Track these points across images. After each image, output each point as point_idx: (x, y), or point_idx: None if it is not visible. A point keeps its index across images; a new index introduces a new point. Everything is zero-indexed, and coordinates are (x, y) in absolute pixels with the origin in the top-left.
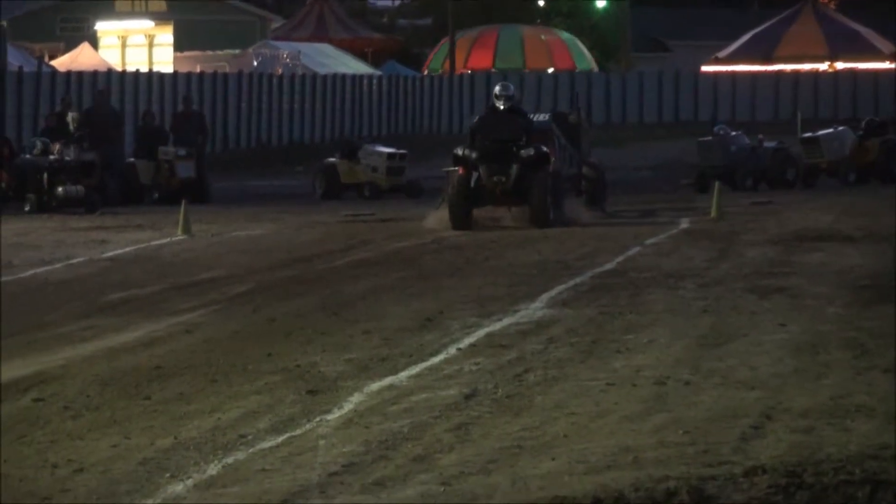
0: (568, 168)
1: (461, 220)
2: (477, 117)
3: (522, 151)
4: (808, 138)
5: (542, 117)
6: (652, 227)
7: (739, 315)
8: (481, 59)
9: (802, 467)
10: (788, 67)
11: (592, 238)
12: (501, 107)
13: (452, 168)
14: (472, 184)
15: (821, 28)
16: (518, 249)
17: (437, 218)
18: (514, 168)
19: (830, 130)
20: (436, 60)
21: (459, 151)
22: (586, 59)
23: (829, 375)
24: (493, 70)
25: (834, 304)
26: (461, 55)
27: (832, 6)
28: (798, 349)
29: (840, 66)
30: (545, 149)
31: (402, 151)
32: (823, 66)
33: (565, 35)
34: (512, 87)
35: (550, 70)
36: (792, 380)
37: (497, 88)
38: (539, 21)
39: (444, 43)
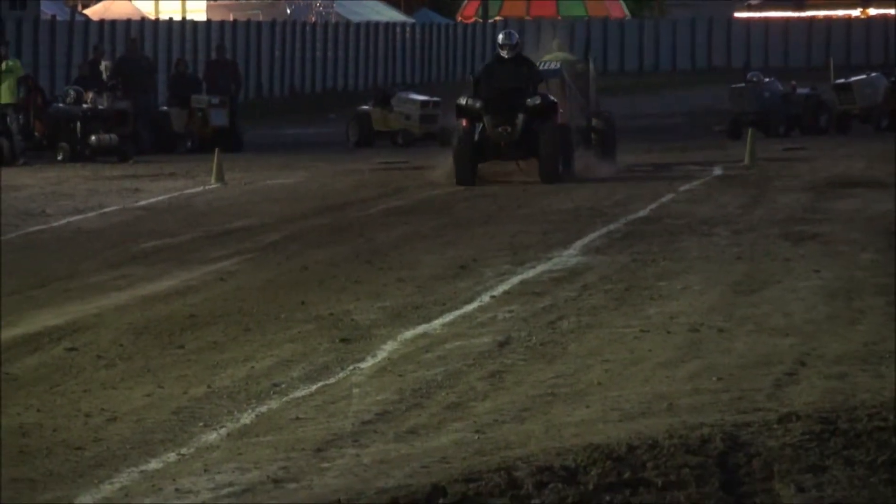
0: (578, 119)
1: (466, 174)
2: (482, 66)
3: (528, 100)
4: (841, 84)
5: (552, 65)
6: (686, 171)
7: (773, 262)
8: (544, 8)
9: (836, 414)
10: (821, 13)
11: (626, 185)
12: (506, 55)
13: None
14: (477, 136)
15: None
16: (551, 196)
17: (443, 172)
18: (520, 118)
19: (863, 77)
20: (493, 8)
21: (462, 101)
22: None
23: (862, 321)
24: (558, 17)
25: (867, 250)
26: (519, 2)
27: None
28: (831, 295)
29: (873, 12)
30: (553, 98)
31: (435, 99)
32: (856, 13)
33: None
34: (516, 35)
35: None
36: (825, 326)
37: (500, 37)
38: None
39: None
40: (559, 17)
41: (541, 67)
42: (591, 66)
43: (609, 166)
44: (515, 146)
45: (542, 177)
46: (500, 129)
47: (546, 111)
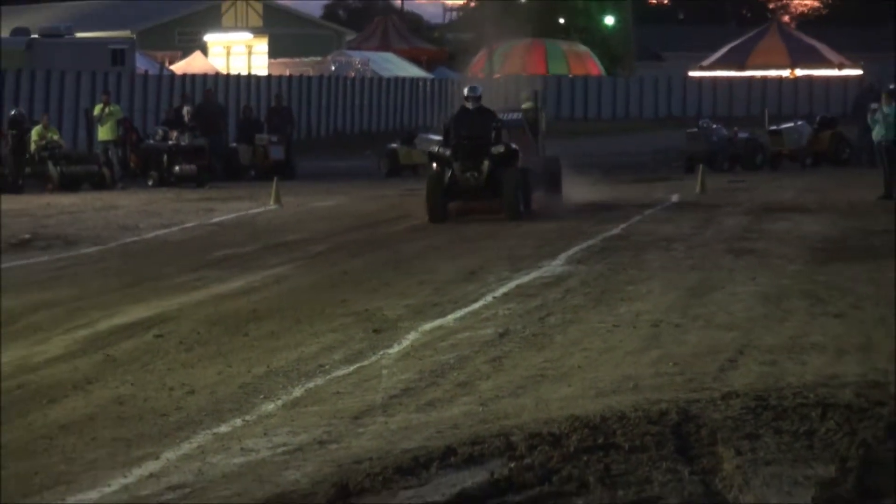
0: (534, 161)
1: (437, 214)
2: (450, 117)
3: (493, 148)
4: (774, 130)
5: (514, 116)
6: (649, 198)
7: (719, 271)
8: (536, 66)
9: (768, 392)
10: (758, 73)
11: (602, 210)
12: (471, 107)
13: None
14: (447, 179)
15: (784, 43)
16: (542, 218)
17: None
18: (486, 164)
19: (791, 124)
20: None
21: (434, 149)
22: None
23: (789, 319)
24: (546, 75)
25: (794, 262)
26: (517, 62)
27: (793, 25)
28: (765, 298)
29: (799, 72)
30: (514, 146)
31: None
32: (786, 73)
33: (583, 48)
34: (479, 88)
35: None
36: (760, 323)
37: (465, 90)
38: (562, 35)
39: (495, 49)
40: (548, 74)
41: (505, 118)
42: (542, 114)
43: (557, 203)
44: (482, 189)
45: (507, 215)
46: (468, 175)
47: (508, 157)
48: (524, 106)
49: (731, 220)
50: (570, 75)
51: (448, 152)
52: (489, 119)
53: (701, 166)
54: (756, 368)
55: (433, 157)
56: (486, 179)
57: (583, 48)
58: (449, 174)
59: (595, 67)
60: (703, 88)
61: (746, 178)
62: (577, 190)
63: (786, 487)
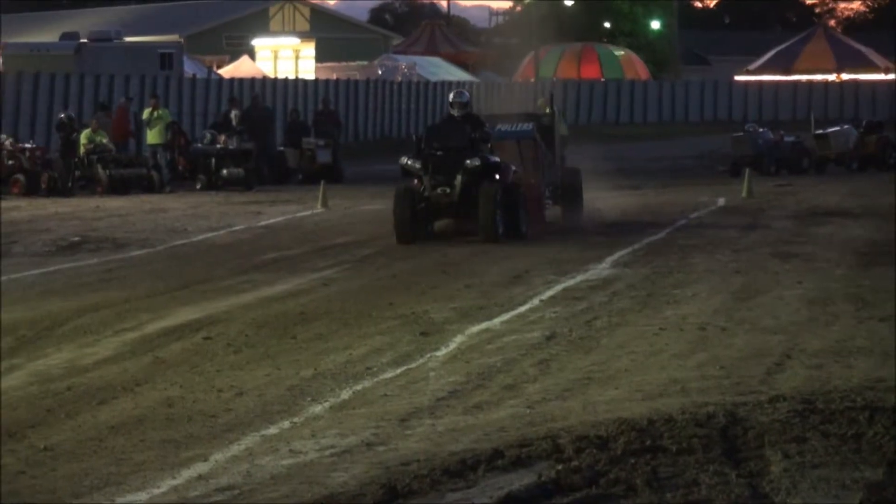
0: (548, 175)
1: (406, 234)
2: (426, 126)
3: (468, 161)
4: (820, 134)
5: (524, 126)
6: (695, 202)
7: (765, 275)
8: (591, 71)
9: (815, 396)
10: (804, 78)
11: (647, 213)
12: (456, 114)
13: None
14: (419, 196)
15: (830, 47)
16: (585, 221)
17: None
18: (459, 179)
19: (837, 128)
20: (546, 69)
21: (404, 160)
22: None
23: (836, 323)
24: (601, 79)
25: (840, 266)
26: (572, 67)
27: (839, 29)
28: (811, 302)
29: (845, 77)
30: (495, 159)
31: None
32: (832, 77)
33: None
34: (467, 94)
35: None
36: (806, 326)
37: (451, 95)
38: (605, 39)
39: (548, 52)
40: (602, 79)
41: (515, 128)
42: (563, 122)
43: (573, 221)
44: (455, 207)
45: (482, 237)
46: (439, 191)
47: (487, 172)
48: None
49: (776, 223)
50: (626, 79)
51: (418, 165)
52: (473, 128)
53: (747, 170)
54: (803, 372)
55: (404, 169)
56: (459, 196)
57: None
58: (420, 190)
59: (645, 71)
60: (750, 92)
61: (792, 182)
62: (623, 193)
63: (833, 491)
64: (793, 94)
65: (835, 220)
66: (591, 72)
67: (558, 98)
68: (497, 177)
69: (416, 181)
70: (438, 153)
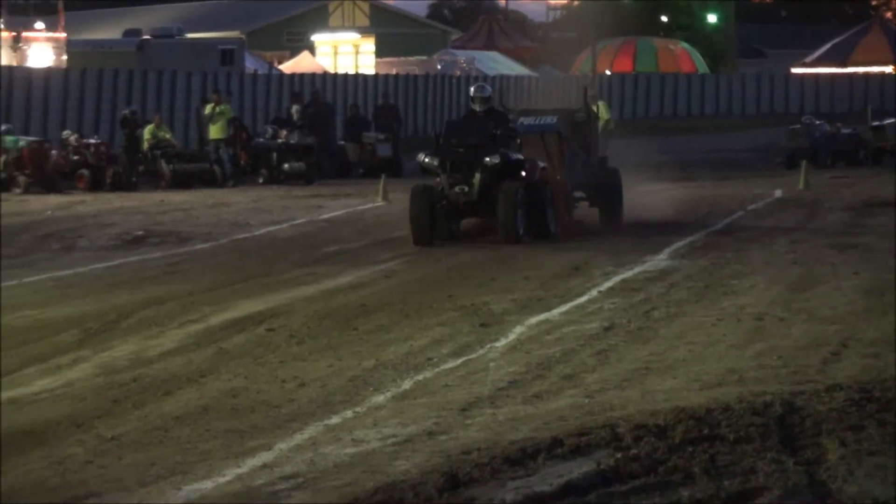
0: (582, 175)
1: (422, 235)
2: (447, 122)
3: (487, 159)
4: (877, 126)
5: (549, 119)
6: (752, 194)
7: (822, 265)
8: (623, 65)
9: (872, 385)
10: (860, 70)
11: (704, 205)
12: (478, 109)
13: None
14: (437, 195)
15: (887, 39)
16: (644, 213)
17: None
18: (477, 177)
19: (894, 120)
20: (585, 64)
21: (422, 158)
22: (703, 65)
23: (892, 313)
24: (632, 72)
25: None
26: (607, 60)
27: None
28: (868, 292)
29: None
30: (517, 156)
31: None
32: (889, 69)
33: (685, 45)
34: (489, 88)
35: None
36: (863, 316)
37: (472, 90)
38: (662, 33)
39: (638, 44)
40: (633, 72)
41: (538, 122)
42: (593, 115)
43: (611, 225)
44: (473, 206)
45: (502, 237)
46: (456, 190)
47: (508, 170)
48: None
49: (833, 215)
50: (659, 73)
51: (436, 163)
52: (496, 125)
53: (804, 162)
54: (859, 361)
55: (422, 167)
56: (478, 194)
57: (678, 46)
58: (438, 188)
59: (688, 65)
60: (806, 85)
61: (849, 174)
62: (680, 185)
63: (890, 478)
64: (849, 87)
65: (891, 211)
66: (622, 65)
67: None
68: (523, 174)
69: (436, 179)
70: (458, 150)
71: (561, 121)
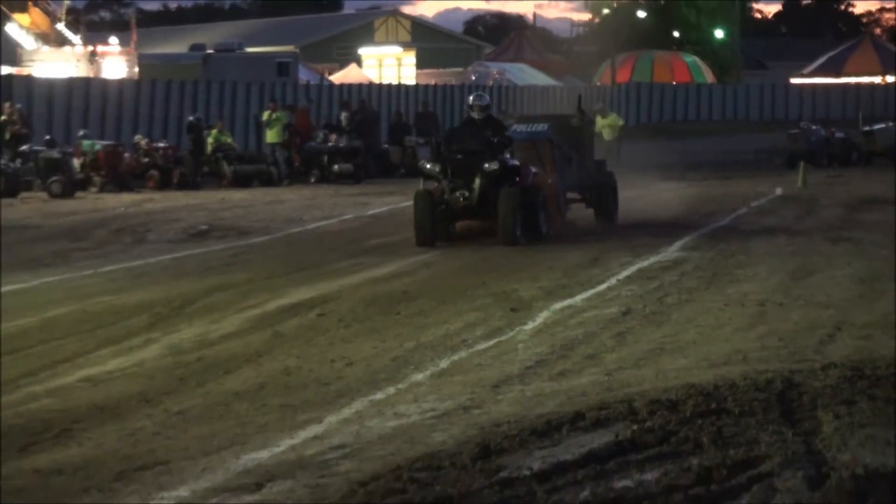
0: (576, 177)
1: (425, 237)
2: (448, 129)
3: (486, 165)
4: (867, 131)
5: (540, 127)
6: (755, 192)
7: (818, 256)
8: (623, 76)
9: (863, 364)
10: (853, 80)
11: (712, 201)
12: (476, 117)
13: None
14: (438, 199)
15: (876, 53)
16: (657, 210)
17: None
18: (477, 182)
19: (883, 126)
20: (640, 72)
21: (425, 164)
22: (703, 75)
23: (881, 299)
24: (629, 82)
25: (886, 248)
26: (665, 70)
27: (884, 37)
28: (860, 281)
29: (890, 79)
30: (514, 162)
31: None
32: (878, 80)
33: (688, 57)
34: (486, 97)
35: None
36: (855, 302)
37: (471, 98)
38: (674, 48)
39: (638, 58)
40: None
41: (530, 129)
42: (587, 120)
43: (606, 225)
44: (473, 210)
45: (501, 239)
46: (457, 194)
47: (506, 175)
48: (606, 118)
49: (828, 211)
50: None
51: (437, 169)
52: (493, 133)
53: (802, 163)
54: (852, 342)
55: (423, 173)
56: (477, 199)
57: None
58: (438, 193)
59: (685, 75)
60: (804, 94)
61: (842, 174)
62: (691, 183)
63: (879, 448)
64: (842, 95)
65: (881, 207)
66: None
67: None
68: (517, 179)
69: (435, 184)
70: (457, 156)
71: (552, 128)
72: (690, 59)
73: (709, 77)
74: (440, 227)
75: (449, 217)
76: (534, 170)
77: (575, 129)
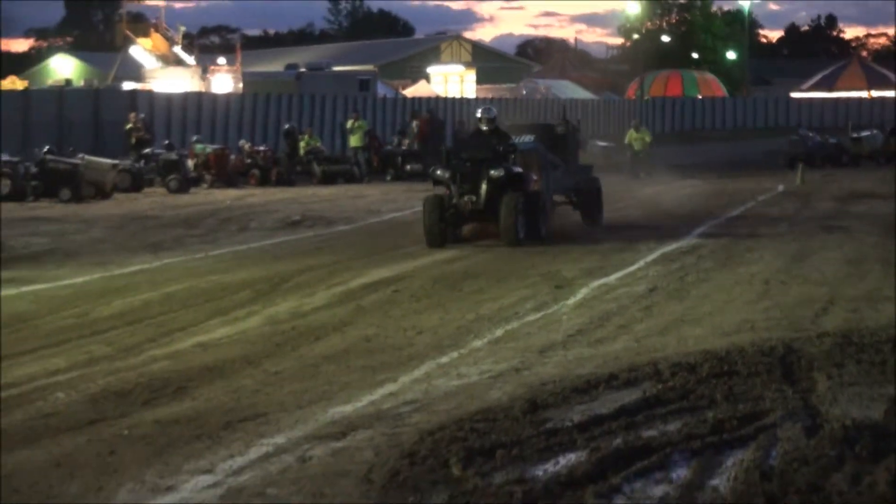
0: (562, 181)
1: (435, 238)
2: (454, 139)
3: (492, 171)
4: (855, 137)
5: (526, 139)
6: (761, 188)
7: (814, 242)
8: (674, 89)
9: (851, 332)
10: (843, 94)
11: (725, 196)
12: (484, 128)
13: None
14: (447, 203)
15: (863, 72)
16: (679, 203)
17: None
18: (483, 188)
19: (868, 133)
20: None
21: (436, 171)
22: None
23: (867, 278)
24: (682, 96)
25: (871, 235)
26: (661, 86)
27: (870, 58)
28: (850, 262)
29: (875, 94)
30: (518, 169)
31: (611, 144)
32: (864, 95)
33: (710, 75)
34: (494, 109)
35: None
36: (846, 280)
37: (479, 111)
38: (693, 67)
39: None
40: (682, 96)
41: (519, 140)
42: (572, 128)
43: (592, 224)
44: (480, 213)
45: (504, 241)
46: (465, 199)
47: (510, 181)
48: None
49: (823, 204)
50: (700, 97)
51: (447, 175)
52: (498, 142)
53: (801, 164)
54: (842, 314)
55: (434, 179)
56: (484, 203)
57: (710, 76)
58: (448, 198)
59: (720, 90)
60: (802, 106)
61: (834, 173)
62: (707, 181)
63: (865, 403)
64: (834, 108)
65: (867, 201)
66: (673, 90)
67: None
68: (521, 185)
69: (445, 189)
70: (466, 164)
71: (538, 139)
72: (712, 76)
73: (713, 91)
74: (449, 230)
75: (457, 220)
76: (534, 177)
77: (559, 137)
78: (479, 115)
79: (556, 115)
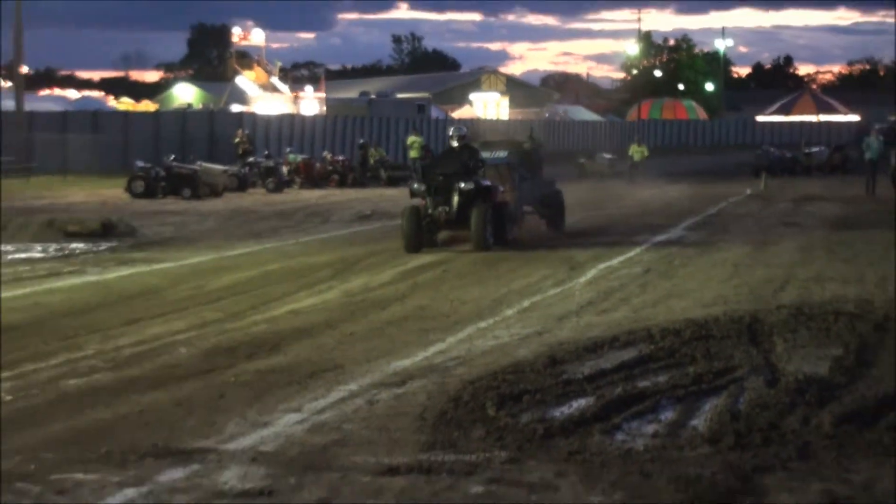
0: (530, 193)
1: (411, 244)
2: (429, 157)
3: (463, 185)
4: (807, 152)
5: (500, 154)
6: (733, 192)
7: (774, 234)
8: (680, 113)
9: (803, 305)
10: (797, 118)
11: (704, 197)
12: (455, 144)
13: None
14: (423, 213)
15: (813, 101)
16: (668, 203)
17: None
18: (455, 199)
19: (817, 149)
20: (654, 112)
21: (413, 185)
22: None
23: (815, 262)
24: (687, 119)
25: (819, 229)
26: (669, 111)
27: (819, 90)
28: (802, 250)
29: (822, 118)
30: (486, 182)
31: (615, 157)
32: (814, 119)
33: (686, 102)
34: (464, 128)
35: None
36: (799, 264)
37: (450, 130)
38: (678, 96)
39: (652, 103)
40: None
41: (493, 156)
42: (536, 144)
43: (555, 233)
44: (453, 222)
45: (474, 247)
46: (439, 209)
47: (479, 193)
48: (525, 145)
49: (781, 205)
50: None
51: (423, 188)
52: (468, 158)
53: (764, 173)
54: (796, 291)
55: (411, 191)
56: (457, 213)
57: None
58: (424, 208)
59: (703, 115)
60: (765, 127)
61: (791, 181)
62: (690, 185)
63: (813, 361)
64: (790, 129)
65: (816, 203)
66: (679, 114)
67: (651, 131)
68: (490, 196)
69: (422, 201)
70: (439, 178)
71: (510, 154)
72: (689, 103)
73: (701, 115)
74: (426, 237)
75: (433, 228)
76: (501, 189)
77: (527, 153)
78: (450, 133)
79: (573, 133)
